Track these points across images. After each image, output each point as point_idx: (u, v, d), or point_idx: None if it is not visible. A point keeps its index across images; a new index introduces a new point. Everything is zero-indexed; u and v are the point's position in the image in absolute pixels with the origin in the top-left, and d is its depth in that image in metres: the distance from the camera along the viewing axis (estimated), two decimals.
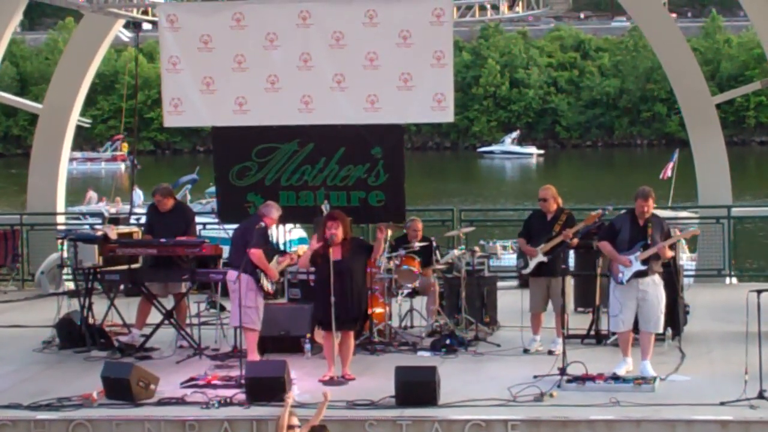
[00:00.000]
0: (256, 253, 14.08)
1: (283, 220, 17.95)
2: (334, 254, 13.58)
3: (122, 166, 73.09)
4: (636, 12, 22.43)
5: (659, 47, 22.33)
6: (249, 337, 14.23)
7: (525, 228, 15.29)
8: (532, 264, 14.92)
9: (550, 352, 14.55)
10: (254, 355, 14.07)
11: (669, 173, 31.57)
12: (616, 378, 13.14)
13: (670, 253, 14.02)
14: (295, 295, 16.20)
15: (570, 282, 15.60)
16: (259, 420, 11.99)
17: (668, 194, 30.31)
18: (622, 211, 14.60)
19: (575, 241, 15.01)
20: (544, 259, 14.82)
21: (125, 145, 53.74)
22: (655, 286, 13.70)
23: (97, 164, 79.74)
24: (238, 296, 13.81)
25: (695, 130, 21.88)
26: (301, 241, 23.95)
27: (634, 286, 13.58)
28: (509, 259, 24.15)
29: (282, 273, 16.75)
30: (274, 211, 14.43)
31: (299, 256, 15.07)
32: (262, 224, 14.31)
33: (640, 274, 13.56)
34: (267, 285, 14.19)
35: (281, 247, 17.78)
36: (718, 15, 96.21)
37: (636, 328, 13.80)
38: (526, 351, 14.74)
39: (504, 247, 26.50)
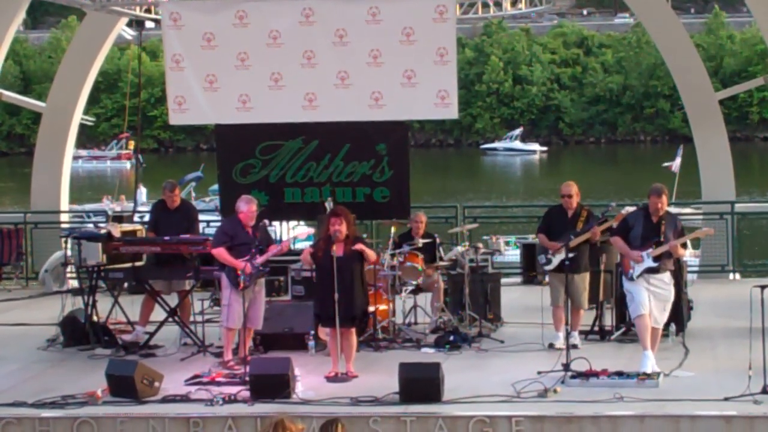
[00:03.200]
0: (215, 252, 14.14)
1: (288, 216, 18.03)
2: (337, 250, 13.60)
3: (128, 164, 73.10)
4: (639, 8, 22.44)
5: (662, 43, 22.34)
6: (223, 334, 14.29)
7: (545, 223, 15.22)
8: (556, 260, 14.81)
9: (551, 346, 14.61)
10: (228, 354, 14.07)
11: (675, 168, 31.56)
12: (619, 374, 13.14)
13: (682, 251, 14.04)
14: (299, 293, 16.23)
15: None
16: (263, 417, 11.97)
17: (672, 190, 30.36)
18: (635, 209, 14.60)
19: (598, 237, 14.99)
20: (570, 255, 14.57)
21: (131, 143, 53.83)
22: (665, 284, 13.71)
23: (103, 162, 79.83)
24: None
25: (698, 126, 21.90)
26: (309, 239, 24.00)
27: (645, 282, 13.60)
28: (513, 255, 24.18)
29: (284, 271, 16.83)
30: (243, 204, 14.29)
31: (288, 247, 15.05)
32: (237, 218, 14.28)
33: (651, 271, 13.59)
34: (234, 282, 13.99)
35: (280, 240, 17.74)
36: (721, 11, 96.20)
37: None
38: (551, 346, 14.64)
39: (507, 244, 26.52)
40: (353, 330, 13.94)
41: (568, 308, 14.40)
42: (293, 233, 17.60)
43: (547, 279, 15.42)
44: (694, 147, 22.02)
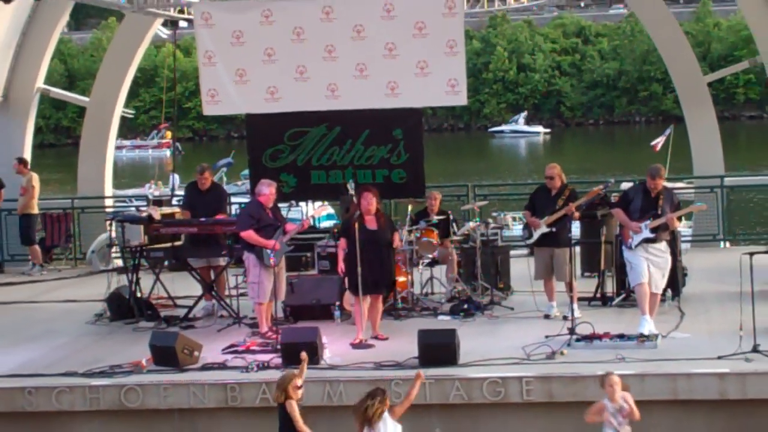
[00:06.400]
0: (244, 235, 14.12)
1: (314, 197, 18.03)
2: (370, 224, 13.66)
3: (167, 152, 73.21)
4: (633, 0, 22.31)
5: (654, 31, 22.26)
6: (256, 309, 14.30)
7: (530, 202, 15.28)
8: (536, 234, 14.90)
9: (547, 317, 14.63)
10: (263, 326, 14.09)
11: (659, 148, 31.34)
12: (621, 336, 13.14)
13: (677, 224, 14.09)
14: (325, 267, 16.22)
15: (575, 251, 15.57)
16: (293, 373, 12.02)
17: (665, 167, 30.05)
18: (634, 184, 14.59)
19: (577, 214, 15.02)
20: (548, 230, 14.79)
21: (169, 133, 53.99)
22: (662, 252, 13.71)
23: (145, 151, 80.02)
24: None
25: (689, 107, 21.84)
26: (329, 217, 23.99)
27: (643, 251, 13.59)
28: (520, 229, 24.16)
29: (310, 246, 16.83)
30: (265, 188, 14.30)
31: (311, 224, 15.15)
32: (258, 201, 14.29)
33: (648, 241, 13.58)
34: (268, 260, 13.98)
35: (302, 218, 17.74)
36: (708, 0, 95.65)
37: None
38: (547, 317, 14.65)
39: (514, 219, 26.45)
40: (380, 297, 14.00)
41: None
42: (312, 213, 17.55)
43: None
44: (686, 126, 21.95)
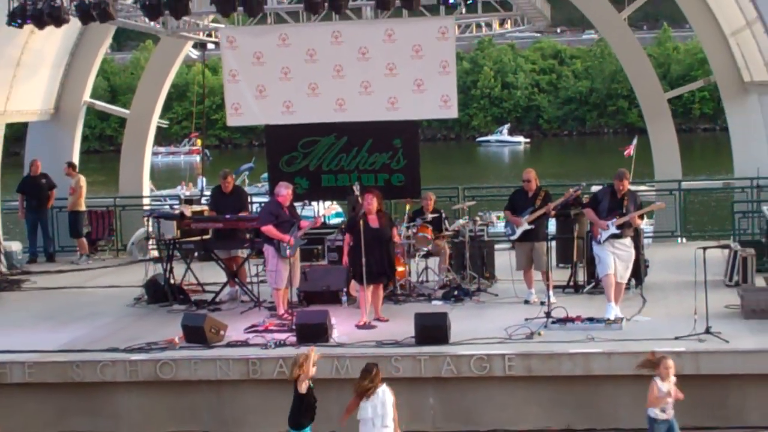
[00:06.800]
0: (264, 230, 14.12)
1: (324, 197, 18.04)
2: (372, 222, 13.68)
3: (197, 158, 73.21)
4: (602, 27, 22.33)
5: (621, 54, 22.24)
6: (274, 294, 14.31)
7: (510, 203, 15.26)
8: (519, 231, 14.92)
9: (527, 302, 14.61)
10: (281, 309, 14.08)
11: (631, 152, 31.41)
12: (591, 319, 13.14)
13: (640, 222, 14.08)
14: (333, 258, 16.24)
15: (551, 245, 15.58)
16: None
17: (631, 172, 30.15)
18: (603, 187, 14.60)
19: (553, 212, 15.05)
20: (529, 227, 14.81)
21: (199, 141, 53.98)
22: (626, 247, 13.72)
23: (177, 157, 79.91)
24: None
25: (651, 120, 21.82)
26: (337, 215, 23.98)
27: (610, 246, 13.60)
28: (503, 226, 24.12)
29: (321, 239, 16.84)
30: (283, 189, 14.33)
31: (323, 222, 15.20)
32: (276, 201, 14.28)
33: (615, 237, 13.58)
34: (285, 252, 13.96)
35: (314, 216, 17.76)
36: (668, 27, 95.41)
37: None
38: (526, 302, 14.63)
39: (498, 217, 26.41)
40: (381, 285, 14.02)
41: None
42: (323, 211, 17.57)
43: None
44: (648, 137, 21.94)
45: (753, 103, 20.34)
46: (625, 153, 31.82)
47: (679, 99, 78.16)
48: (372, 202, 13.70)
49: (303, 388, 10.09)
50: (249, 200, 17.78)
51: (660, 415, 10.11)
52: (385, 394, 9.95)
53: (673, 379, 10.19)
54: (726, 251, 15.67)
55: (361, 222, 13.63)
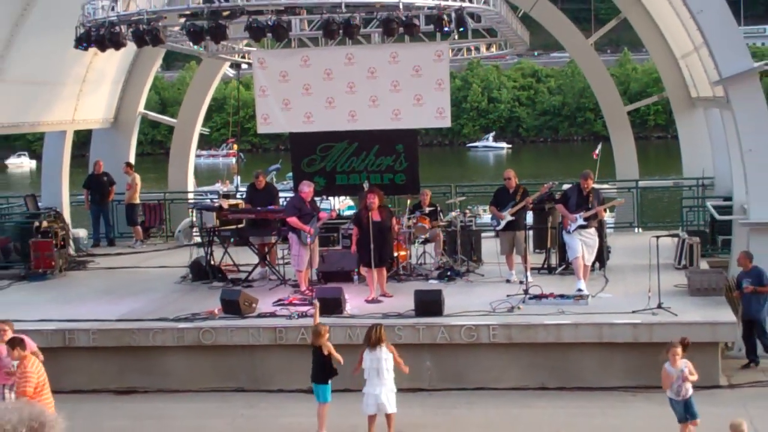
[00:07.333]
0: (290, 221, 14.12)
1: (338, 193, 18.01)
2: (374, 216, 13.65)
3: (233, 160, 73.16)
4: (572, 50, 22.32)
5: (588, 73, 22.22)
6: (297, 274, 14.32)
7: (494, 198, 15.28)
8: (503, 222, 14.92)
9: (508, 281, 14.58)
10: (303, 286, 14.07)
11: (598, 154, 31.31)
12: (562, 296, 13.15)
13: (603, 214, 14.13)
14: (347, 245, 16.22)
15: (529, 233, 15.60)
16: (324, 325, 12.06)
17: (596, 173, 29.97)
18: (571, 185, 14.61)
19: (531, 205, 15.08)
20: (512, 218, 14.81)
21: (235, 146, 53.83)
22: (591, 235, 13.73)
23: (217, 159, 79.93)
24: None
25: (613, 129, 21.79)
26: (349, 208, 23.98)
27: (578, 234, 13.60)
28: (488, 218, 24.12)
29: (336, 228, 16.86)
30: (305, 186, 14.39)
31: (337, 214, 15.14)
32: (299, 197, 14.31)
33: (582, 227, 13.58)
34: (306, 240, 13.94)
35: (330, 209, 17.78)
36: (628, 51, 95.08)
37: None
38: (508, 281, 14.63)
39: (485, 210, 26.39)
40: (385, 268, 14.02)
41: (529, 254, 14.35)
42: (338, 205, 17.55)
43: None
44: (611, 144, 21.91)
45: (699, 116, 20.30)
46: (594, 155, 31.86)
47: (636, 111, 77.69)
48: (374, 200, 13.68)
49: (326, 351, 10.29)
50: (278, 195, 17.79)
51: (674, 396, 9.65)
52: (384, 349, 10.10)
53: (683, 362, 9.56)
54: (675, 239, 15.67)
55: (367, 216, 13.62)
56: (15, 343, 9.64)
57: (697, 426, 9.70)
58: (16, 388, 9.51)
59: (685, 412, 9.67)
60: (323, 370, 10.39)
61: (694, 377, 9.64)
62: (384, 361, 10.10)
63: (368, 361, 10.12)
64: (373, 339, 10.10)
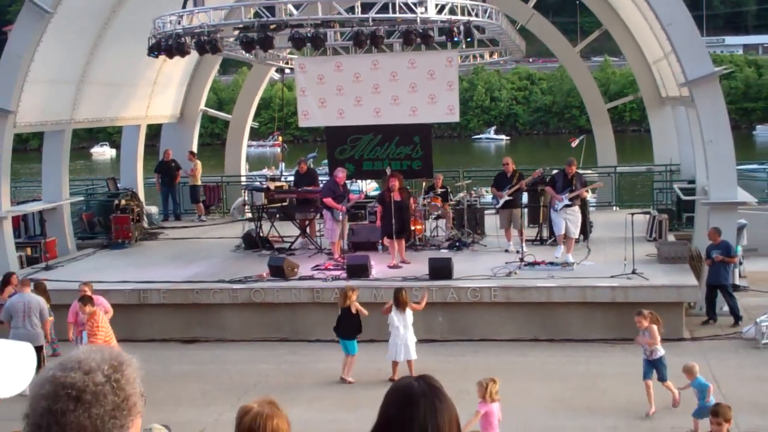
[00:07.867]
0: (325, 201, 14.11)
1: (366, 177, 17.98)
2: (395, 196, 13.63)
3: (278, 150, 73.17)
4: (562, 57, 22.10)
5: (575, 76, 21.99)
6: (331, 245, 14.33)
7: (495, 181, 15.22)
8: (502, 201, 14.85)
9: (506, 251, 14.55)
10: (336, 254, 14.06)
11: (575, 143, 30.85)
12: (552, 263, 13.10)
13: (586, 195, 14.03)
14: (372, 220, 16.25)
15: (524, 211, 15.52)
16: (354, 288, 12.09)
17: (579, 161, 29.65)
18: (558, 171, 14.52)
19: (525, 187, 15.01)
20: (509, 198, 14.73)
21: (280, 138, 53.90)
22: (575, 213, 13.64)
23: (264, 148, 79.94)
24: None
25: (596, 124, 21.60)
26: (375, 190, 23.94)
27: (563, 212, 13.52)
28: (490, 197, 24.05)
29: (363, 206, 16.86)
30: (339, 172, 14.37)
31: (365, 196, 15.11)
32: (335, 180, 14.28)
33: (567, 206, 13.50)
34: (338, 217, 13.94)
35: (360, 191, 17.76)
36: (609, 57, 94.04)
37: (565, 235, 13.74)
38: (506, 251, 14.58)
39: (487, 191, 26.30)
40: (404, 239, 14.01)
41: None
42: (366, 188, 17.52)
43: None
44: (593, 136, 21.72)
45: (668, 113, 20.08)
46: (572, 142, 31.37)
47: (615, 109, 76.42)
48: (395, 183, 13.67)
49: (354, 310, 10.35)
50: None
51: (643, 354, 9.26)
52: (408, 312, 10.13)
53: (651, 327, 9.06)
54: (647, 216, 15.54)
55: (389, 196, 13.61)
56: (86, 301, 9.86)
57: (667, 387, 9.17)
58: (88, 337, 9.70)
59: (649, 370, 9.21)
60: (351, 327, 10.45)
61: (657, 343, 9.15)
62: (407, 317, 10.19)
63: (395, 319, 10.19)
64: (401, 301, 10.17)
